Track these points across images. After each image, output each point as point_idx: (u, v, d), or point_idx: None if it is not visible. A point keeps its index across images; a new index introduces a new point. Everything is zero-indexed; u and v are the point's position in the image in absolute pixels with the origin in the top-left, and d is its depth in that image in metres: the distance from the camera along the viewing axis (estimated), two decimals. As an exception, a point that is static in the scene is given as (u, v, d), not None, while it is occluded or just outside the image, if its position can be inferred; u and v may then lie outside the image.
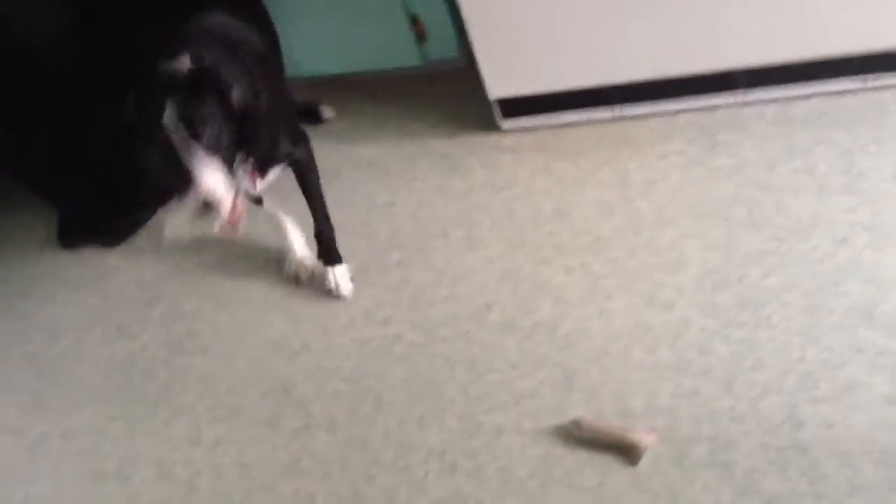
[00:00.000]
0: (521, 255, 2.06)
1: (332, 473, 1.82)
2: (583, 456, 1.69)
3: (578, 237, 2.05)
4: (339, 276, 2.11)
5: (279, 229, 2.16)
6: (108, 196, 2.40)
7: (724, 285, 1.86)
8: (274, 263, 2.24)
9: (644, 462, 1.64)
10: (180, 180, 1.57)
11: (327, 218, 2.08)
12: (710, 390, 1.72)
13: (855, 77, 2.07)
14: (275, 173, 1.93)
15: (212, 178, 1.57)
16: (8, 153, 2.29)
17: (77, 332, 2.30)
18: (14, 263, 2.55)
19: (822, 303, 1.77)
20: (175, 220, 2.32)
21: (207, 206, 1.59)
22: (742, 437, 1.63)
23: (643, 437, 1.66)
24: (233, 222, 1.65)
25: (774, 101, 2.14)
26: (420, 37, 2.44)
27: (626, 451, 1.67)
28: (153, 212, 2.46)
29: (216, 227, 1.66)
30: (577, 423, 1.72)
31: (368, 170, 2.42)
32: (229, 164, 1.64)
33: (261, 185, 1.87)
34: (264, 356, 2.08)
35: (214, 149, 1.60)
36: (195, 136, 1.57)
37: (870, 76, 2.06)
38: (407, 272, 2.13)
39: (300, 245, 2.17)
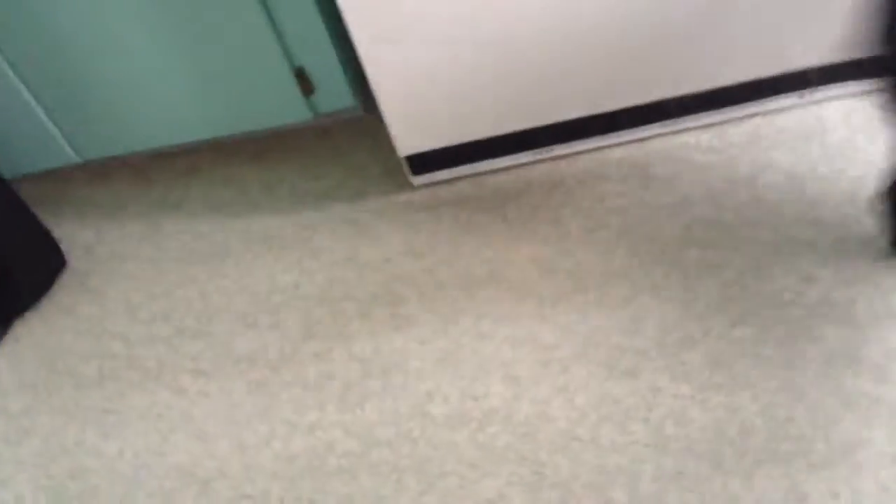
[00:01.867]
0: (457, 331, 1.80)
1: None
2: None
3: (521, 303, 1.81)
4: None
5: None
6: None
7: (691, 343, 1.67)
8: (156, 371, 1.90)
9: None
10: None
11: None
12: (696, 468, 1.51)
13: (790, 94, 1.93)
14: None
15: None
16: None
17: None
18: None
19: (798, 349, 1.60)
20: None
21: None
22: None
23: None
24: None
25: (707, 126, 1.98)
26: (306, 90, 2.16)
27: None
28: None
29: None
30: None
31: (263, 246, 2.12)
32: None
33: None
34: (171, 487, 1.74)
35: None
36: None
37: (806, 91, 1.92)
38: (328, 366, 1.83)
39: None
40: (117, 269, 2.22)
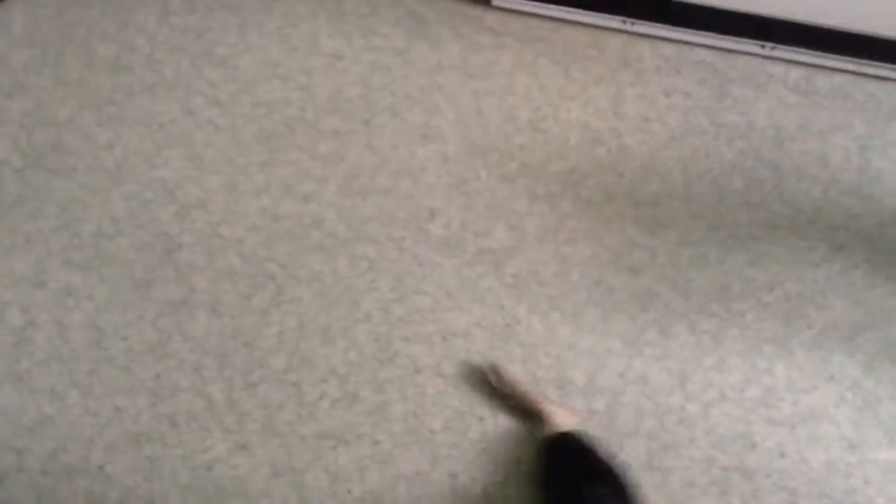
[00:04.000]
0: (481, 164, 1.74)
1: (207, 367, 1.51)
2: (505, 423, 1.47)
3: (551, 161, 1.74)
4: None
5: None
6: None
7: (703, 264, 1.64)
8: (172, 81, 1.80)
9: (573, 445, 1.44)
10: None
11: None
12: (663, 381, 1.52)
13: (893, 66, 1.83)
14: None
15: None
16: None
17: None
18: None
19: (798, 314, 1.59)
20: None
21: None
22: (687, 443, 1.45)
23: (563, 415, 1.43)
24: None
25: (801, 64, 1.87)
26: None
27: (536, 423, 1.45)
28: None
29: None
30: (495, 371, 1.49)
31: (318, 4, 1.98)
32: None
33: None
34: (150, 198, 1.68)
35: None
36: None
37: (909, 69, 1.82)
38: (343, 146, 1.76)
39: None
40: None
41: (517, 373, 1.50)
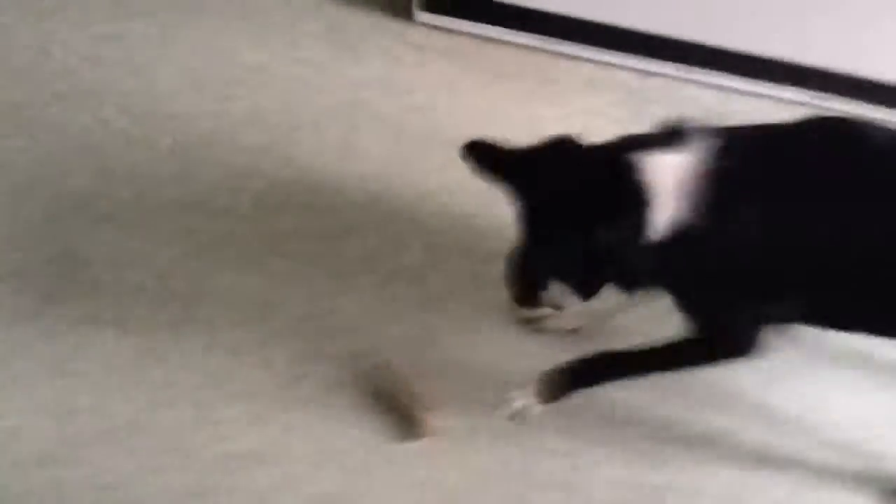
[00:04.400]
0: (400, 183, 1.74)
1: (113, 387, 1.48)
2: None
3: (471, 179, 1.75)
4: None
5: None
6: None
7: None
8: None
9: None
10: None
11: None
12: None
13: (803, 90, 1.89)
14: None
15: None
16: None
17: None
18: None
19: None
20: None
21: None
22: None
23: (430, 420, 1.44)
24: None
25: (715, 88, 1.92)
26: None
27: (408, 426, 1.46)
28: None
29: None
30: (378, 370, 1.50)
31: (240, 14, 1.97)
32: None
33: None
34: (58, 210, 1.64)
35: None
36: None
37: (819, 94, 1.88)
38: (259, 159, 1.74)
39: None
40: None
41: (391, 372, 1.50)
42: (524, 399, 1.46)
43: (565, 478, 1.44)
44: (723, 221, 1.18)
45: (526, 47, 1.94)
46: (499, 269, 1.39)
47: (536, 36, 1.92)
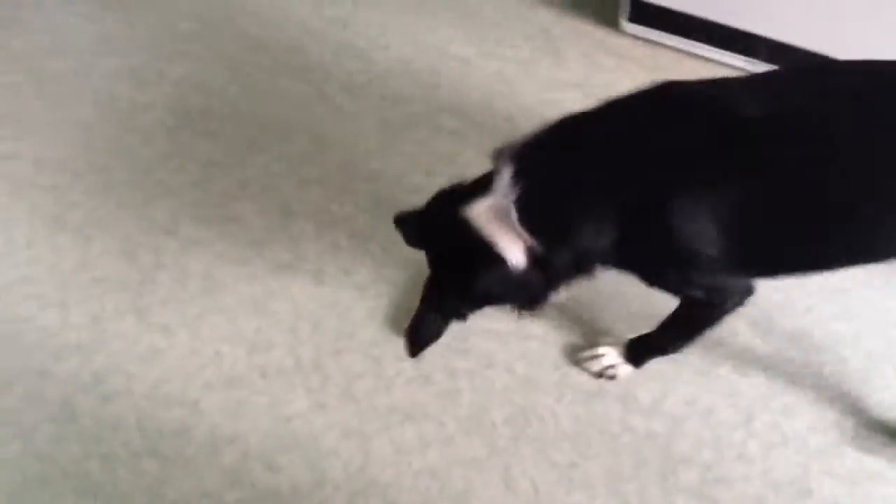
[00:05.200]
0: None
1: (301, 329, 1.65)
2: (566, 425, 1.53)
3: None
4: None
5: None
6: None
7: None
8: None
9: (627, 463, 1.50)
10: None
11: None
12: (729, 413, 1.55)
13: None
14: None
15: None
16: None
17: (82, 55, 2.04)
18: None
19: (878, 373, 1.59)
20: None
21: None
22: (741, 480, 1.48)
23: None
24: None
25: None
26: None
27: None
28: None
29: None
30: None
31: (456, 14, 2.11)
32: None
33: None
34: (277, 171, 1.84)
35: None
36: None
37: None
38: (458, 143, 1.87)
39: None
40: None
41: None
42: (613, 359, 1.57)
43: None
44: (565, 222, 1.26)
45: (725, 65, 1.95)
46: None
47: (741, 57, 1.92)
